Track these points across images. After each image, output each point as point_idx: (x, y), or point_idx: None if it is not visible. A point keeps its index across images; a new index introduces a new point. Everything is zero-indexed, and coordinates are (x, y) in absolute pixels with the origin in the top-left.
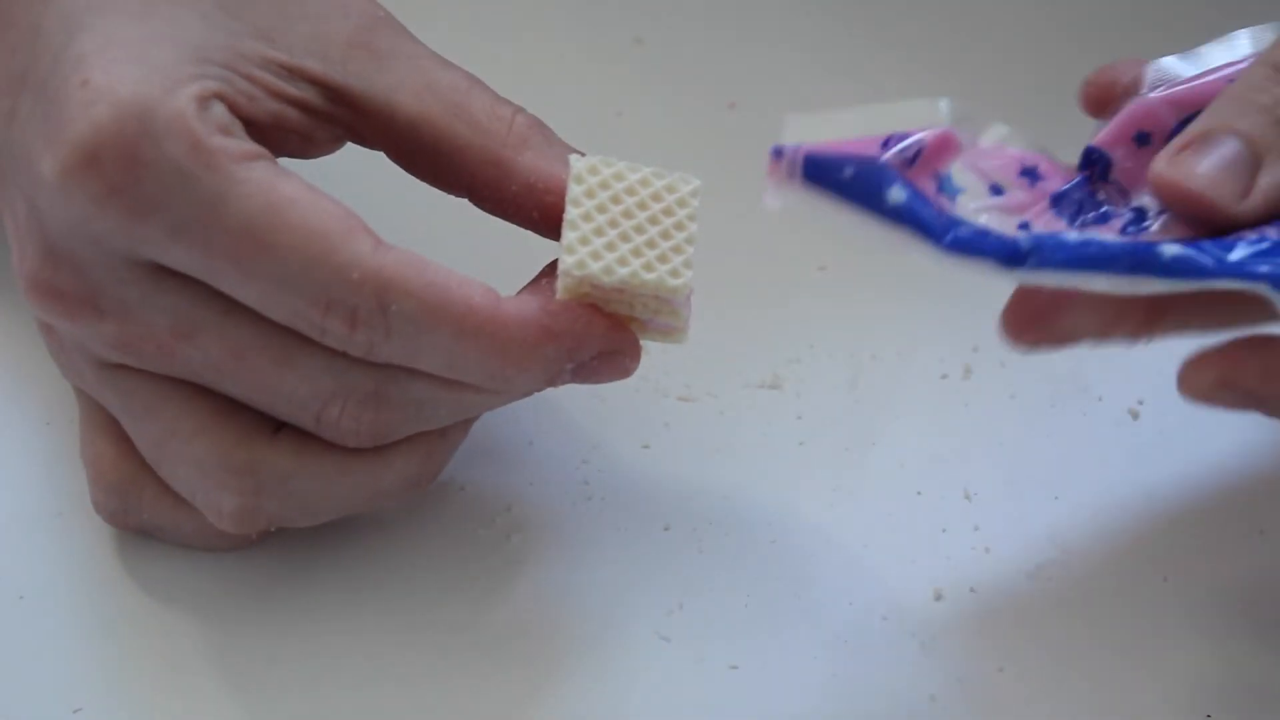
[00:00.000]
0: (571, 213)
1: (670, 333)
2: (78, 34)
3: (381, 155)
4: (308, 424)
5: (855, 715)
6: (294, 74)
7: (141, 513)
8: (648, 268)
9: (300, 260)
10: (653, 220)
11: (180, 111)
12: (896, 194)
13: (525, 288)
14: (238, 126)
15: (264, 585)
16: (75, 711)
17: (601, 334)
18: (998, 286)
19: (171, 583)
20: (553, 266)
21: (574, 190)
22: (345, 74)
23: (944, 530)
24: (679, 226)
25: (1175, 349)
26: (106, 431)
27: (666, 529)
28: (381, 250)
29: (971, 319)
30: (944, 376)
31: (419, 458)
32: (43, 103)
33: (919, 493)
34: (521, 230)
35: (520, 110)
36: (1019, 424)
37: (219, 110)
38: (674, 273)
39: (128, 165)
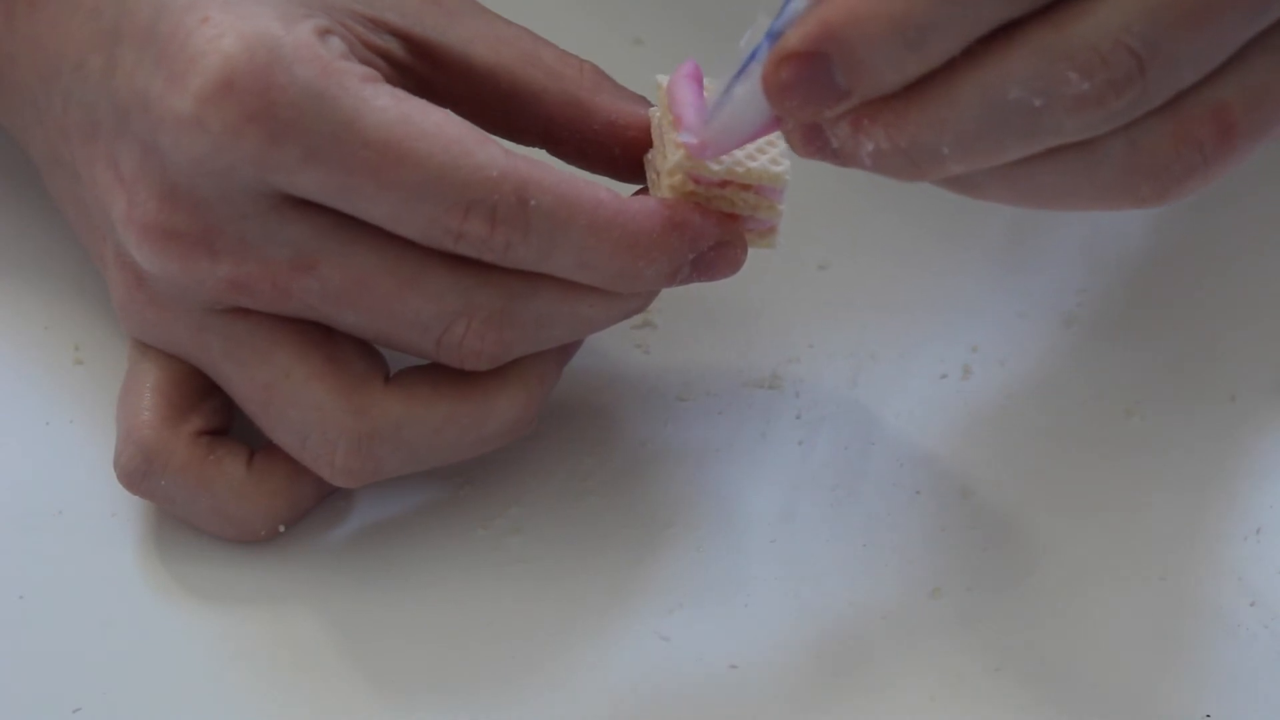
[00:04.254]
0: (669, 116)
1: (766, 234)
2: None
3: None
4: (427, 348)
5: (855, 714)
6: (378, 26)
7: (162, 479)
8: (750, 158)
9: (440, 163)
10: None
11: (306, 40)
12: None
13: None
14: (352, 57)
15: (264, 584)
16: (75, 711)
17: (716, 224)
18: (997, 286)
19: (172, 582)
20: (641, 193)
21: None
22: (423, 26)
23: (943, 529)
24: None
25: (1174, 351)
26: (152, 392)
27: (666, 529)
28: (511, 153)
29: (971, 319)
30: (943, 376)
31: (521, 402)
32: (153, 47)
33: (918, 492)
34: None
35: (585, 60)
36: (1018, 424)
37: (336, 41)
38: (774, 161)
39: (262, 91)
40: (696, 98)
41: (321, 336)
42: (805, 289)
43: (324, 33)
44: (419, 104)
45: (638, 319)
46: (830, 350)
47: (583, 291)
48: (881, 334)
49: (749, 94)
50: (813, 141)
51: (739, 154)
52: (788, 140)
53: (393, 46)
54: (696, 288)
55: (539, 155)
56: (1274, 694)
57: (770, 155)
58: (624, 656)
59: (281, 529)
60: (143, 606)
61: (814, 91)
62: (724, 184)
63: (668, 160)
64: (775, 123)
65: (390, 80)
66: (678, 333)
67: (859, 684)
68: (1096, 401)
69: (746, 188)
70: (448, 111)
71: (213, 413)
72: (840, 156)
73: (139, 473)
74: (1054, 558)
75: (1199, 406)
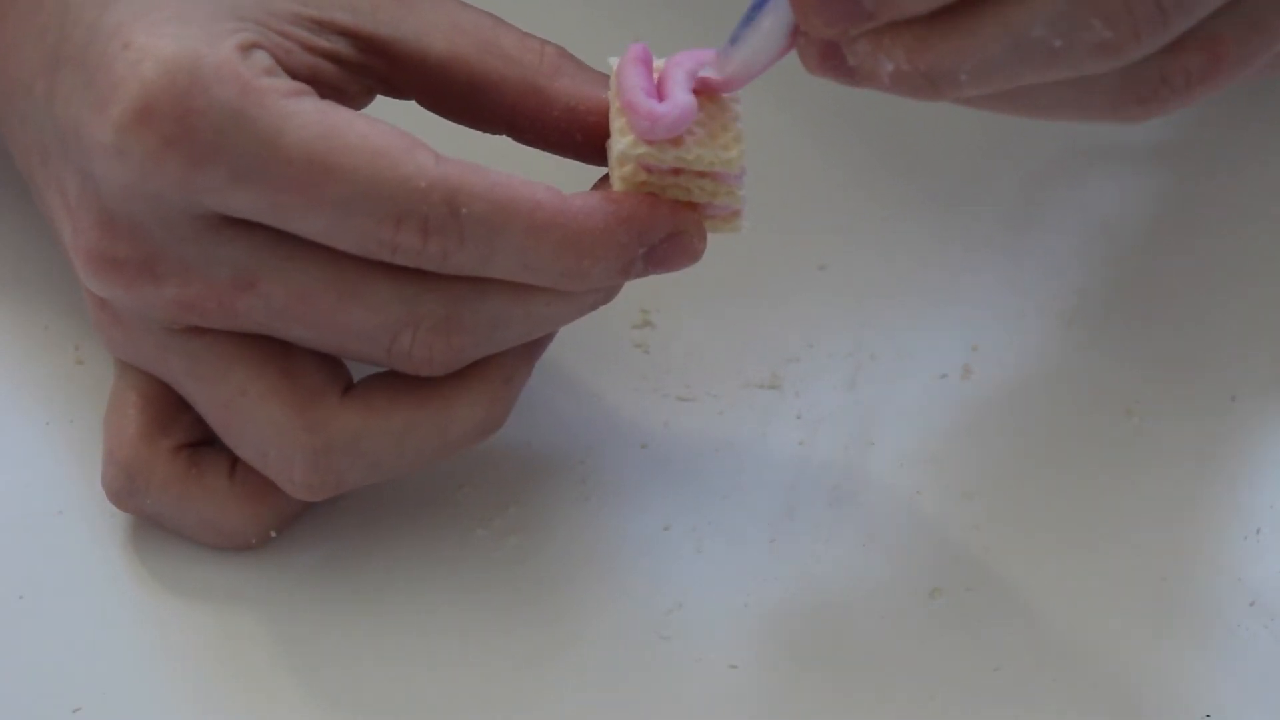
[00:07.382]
0: (617, 103)
1: (729, 218)
2: (111, 4)
3: (412, 109)
4: (379, 357)
5: (855, 714)
6: (325, 27)
7: (146, 497)
8: (700, 144)
9: (366, 177)
10: (699, 105)
11: (226, 59)
12: None
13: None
14: (279, 70)
15: (263, 585)
16: (75, 711)
17: (667, 215)
18: (997, 286)
19: (172, 582)
20: (602, 182)
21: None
22: (375, 22)
23: (943, 529)
24: (723, 109)
25: (1174, 351)
26: (133, 409)
27: (666, 529)
28: (443, 160)
29: (971, 319)
30: (943, 376)
31: (485, 404)
32: (84, 74)
33: (918, 492)
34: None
35: (548, 42)
36: (1018, 424)
37: (261, 55)
38: (725, 146)
39: (181, 116)
40: (646, 81)
41: (278, 351)
42: (805, 289)
43: (248, 47)
44: (345, 117)
45: (637, 318)
46: (830, 350)
47: (534, 291)
48: (881, 334)
49: (774, 23)
50: (829, 59)
51: (689, 141)
52: (801, 58)
53: (341, 47)
54: (696, 287)
55: (504, 144)
56: (1274, 694)
57: (722, 141)
58: (624, 656)
59: (273, 534)
60: (143, 606)
61: (841, 12)
62: (677, 171)
63: (616, 149)
64: (790, 44)
65: (341, 82)
66: (678, 333)
67: (859, 684)
68: (1096, 401)
69: (702, 174)
70: (377, 121)
71: (193, 425)
72: (856, 75)
73: (124, 491)
74: (1053, 558)
75: (1199, 406)
